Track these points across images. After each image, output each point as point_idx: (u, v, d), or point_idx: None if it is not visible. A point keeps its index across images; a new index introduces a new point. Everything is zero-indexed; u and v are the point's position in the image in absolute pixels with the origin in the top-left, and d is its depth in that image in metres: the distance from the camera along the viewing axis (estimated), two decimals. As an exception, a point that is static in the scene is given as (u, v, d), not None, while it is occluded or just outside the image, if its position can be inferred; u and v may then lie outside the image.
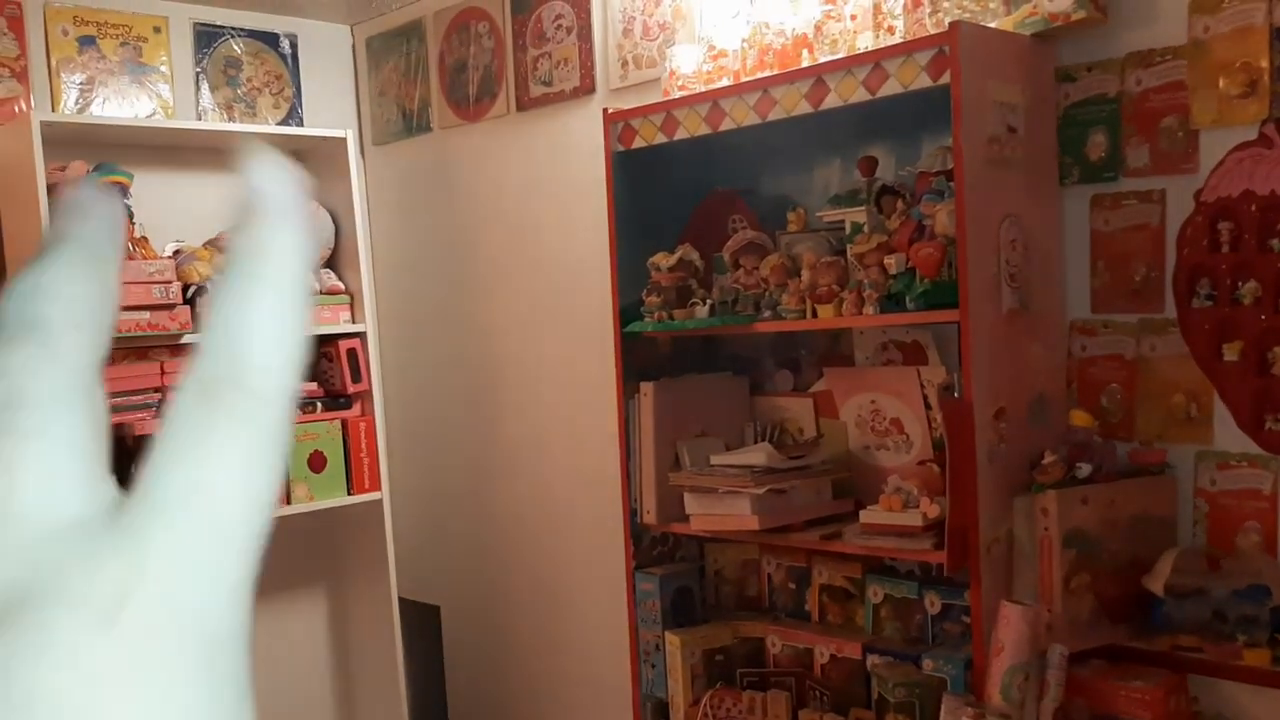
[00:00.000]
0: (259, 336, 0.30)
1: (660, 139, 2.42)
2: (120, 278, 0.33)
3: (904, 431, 2.34)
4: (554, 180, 3.18)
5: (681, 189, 2.60)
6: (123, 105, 3.26)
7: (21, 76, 3.08)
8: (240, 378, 0.30)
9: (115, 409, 2.80)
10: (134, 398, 2.83)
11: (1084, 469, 2.00)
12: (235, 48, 3.49)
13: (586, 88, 3.05)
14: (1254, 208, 1.92)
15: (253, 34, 3.53)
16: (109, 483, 0.31)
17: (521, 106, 3.25)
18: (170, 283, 2.85)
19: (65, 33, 3.16)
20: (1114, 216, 2.10)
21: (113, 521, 0.28)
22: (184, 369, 0.30)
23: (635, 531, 2.53)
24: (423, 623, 3.71)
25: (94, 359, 0.31)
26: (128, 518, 0.28)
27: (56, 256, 0.31)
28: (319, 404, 3.20)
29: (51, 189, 2.76)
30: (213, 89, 3.44)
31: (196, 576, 0.27)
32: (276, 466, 0.30)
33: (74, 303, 0.31)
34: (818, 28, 2.26)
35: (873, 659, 2.25)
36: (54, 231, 0.32)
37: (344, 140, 3.23)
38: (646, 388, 2.46)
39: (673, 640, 2.47)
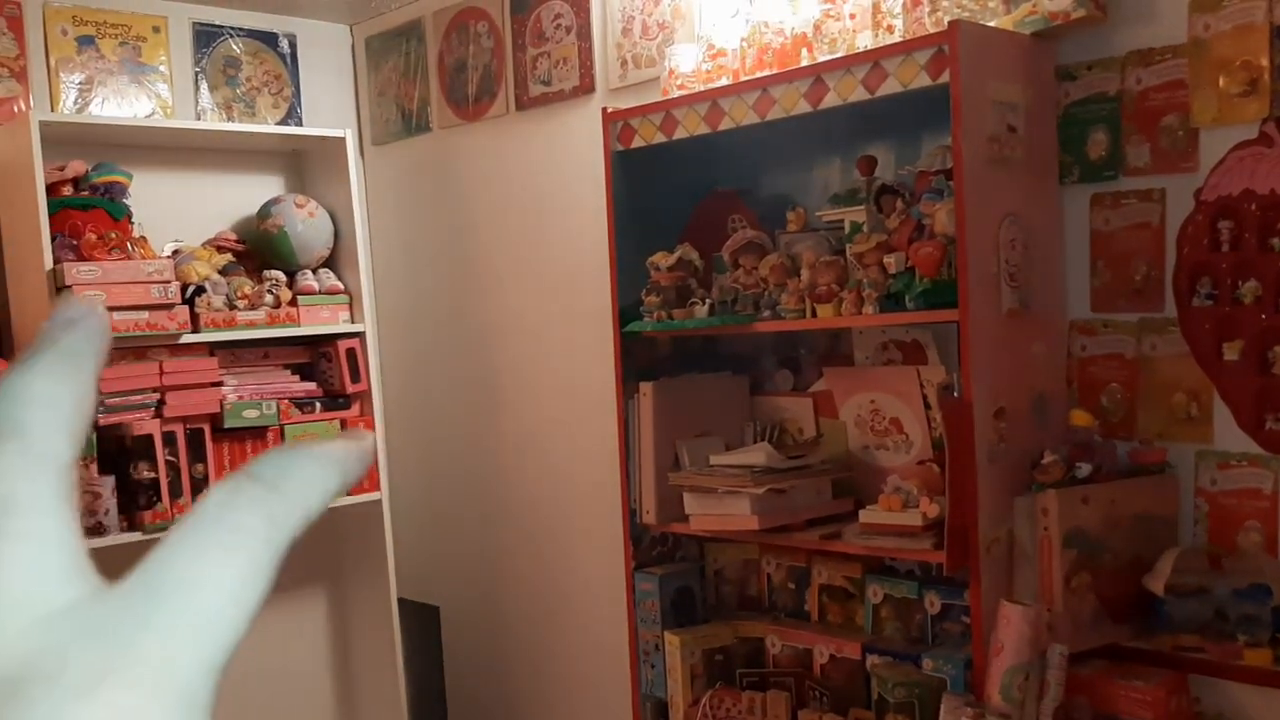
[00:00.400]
0: (305, 469, 0.34)
1: (659, 138, 2.41)
2: (97, 383, 0.35)
3: (904, 431, 2.33)
4: (553, 180, 3.18)
5: (681, 188, 2.60)
6: (122, 105, 3.25)
7: (20, 76, 3.08)
8: (276, 481, 0.33)
9: (114, 409, 2.80)
10: (132, 397, 2.83)
11: (1084, 468, 1.99)
12: (234, 47, 3.49)
13: (586, 87, 3.04)
14: (1254, 206, 1.92)
15: (252, 34, 3.52)
16: (92, 571, 0.32)
17: (521, 106, 3.25)
18: (169, 282, 2.84)
19: (64, 32, 3.16)
20: (1114, 215, 2.10)
21: (106, 601, 0.30)
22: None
23: (635, 531, 2.53)
24: (422, 623, 3.71)
25: (72, 459, 0.33)
26: (124, 598, 0.30)
27: (39, 362, 0.33)
28: (318, 404, 3.20)
29: (50, 189, 2.76)
30: (212, 89, 3.44)
31: (180, 662, 0.29)
32: (270, 578, 0.33)
33: (55, 408, 0.32)
34: (817, 27, 2.26)
35: (872, 659, 2.25)
36: (38, 340, 0.34)
37: (343, 140, 3.23)
38: (646, 387, 2.46)
39: (672, 640, 2.47)
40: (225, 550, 0.32)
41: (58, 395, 0.33)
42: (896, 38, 2.13)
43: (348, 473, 0.36)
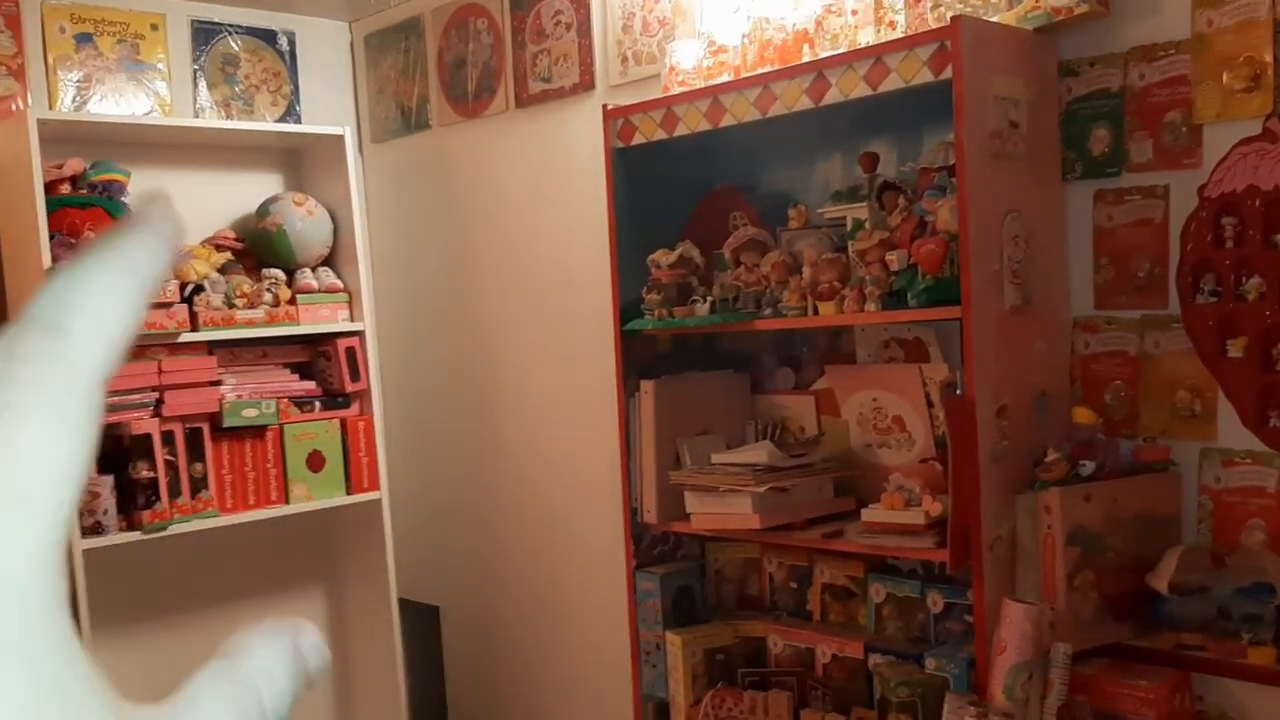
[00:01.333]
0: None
1: (660, 135, 2.40)
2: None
3: (906, 429, 2.32)
4: (553, 177, 3.17)
5: (682, 185, 2.59)
6: (120, 103, 3.24)
7: (18, 74, 3.07)
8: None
9: (112, 408, 2.79)
10: (130, 396, 2.81)
11: (1087, 466, 1.99)
12: (233, 45, 3.48)
13: (586, 84, 3.03)
14: (1258, 203, 1.91)
15: (251, 31, 3.51)
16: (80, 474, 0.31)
17: (520, 103, 3.24)
18: (167, 281, 2.83)
19: (62, 30, 3.15)
20: (1117, 212, 2.09)
21: None
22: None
23: (636, 530, 2.52)
24: (422, 623, 3.70)
25: (98, 372, 0.32)
26: None
27: (99, 265, 0.33)
28: (317, 403, 3.19)
29: (49, 187, 2.75)
30: (210, 86, 3.43)
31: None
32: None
33: (96, 319, 0.32)
34: (818, 23, 2.25)
35: (875, 658, 2.24)
36: (108, 237, 0.33)
37: (342, 138, 3.22)
38: (647, 386, 2.45)
39: (673, 640, 2.46)
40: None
41: (104, 309, 0.32)
42: (899, 33, 2.13)
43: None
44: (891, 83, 2.00)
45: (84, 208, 2.83)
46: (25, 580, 0.28)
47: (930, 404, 2.27)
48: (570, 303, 3.15)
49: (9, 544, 0.28)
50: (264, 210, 3.21)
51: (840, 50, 2.18)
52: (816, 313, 2.19)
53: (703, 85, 2.38)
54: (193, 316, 2.91)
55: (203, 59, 3.42)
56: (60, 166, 2.83)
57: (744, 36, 2.38)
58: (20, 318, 0.31)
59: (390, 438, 3.70)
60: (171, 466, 2.87)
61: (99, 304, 0.32)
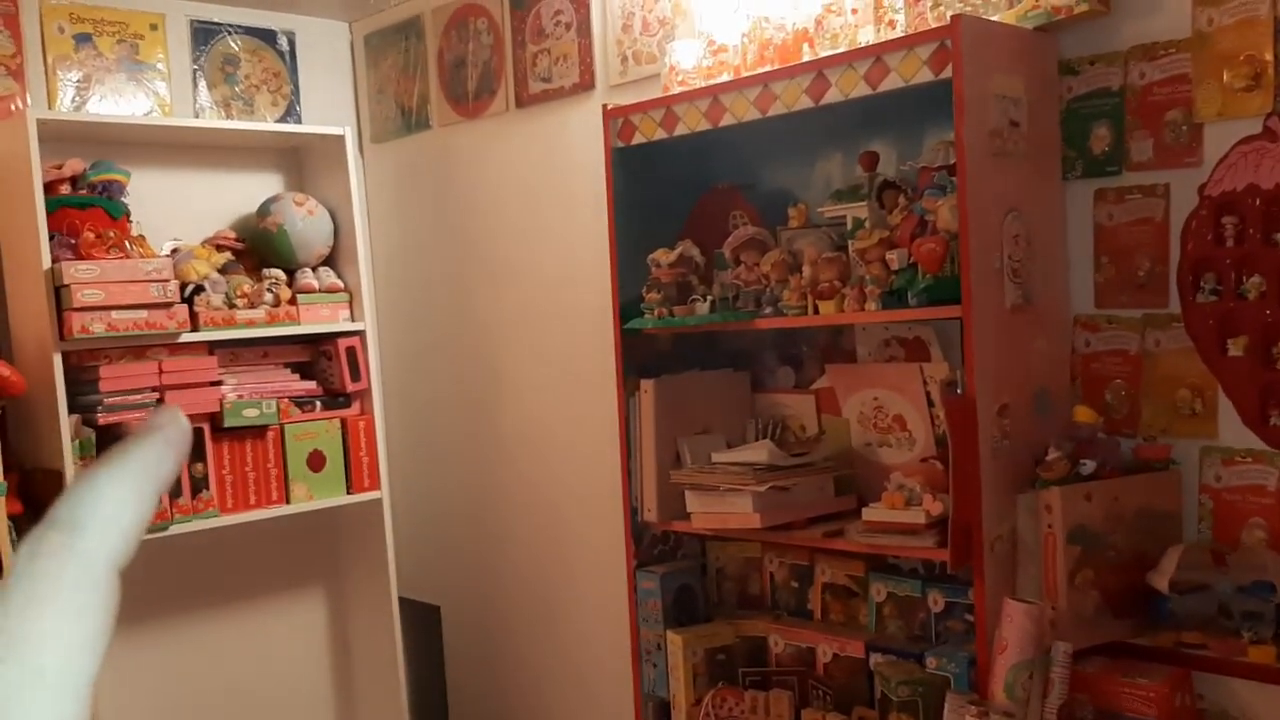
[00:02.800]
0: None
1: (660, 135, 2.40)
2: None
3: (906, 428, 2.32)
4: (553, 177, 3.17)
5: (681, 185, 2.59)
6: (119, 103, 3.24)
7: (17, 74, 3.06)
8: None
9: (113, 408, 2.79)
10: (131, 397, 2.81)
11: (1088, 465, 1.99)
12: (233, 45, 3.48)
13: (586, 84, 3.03)
14: (1258, 201, 1.91)
15: (250, 31, 3.51)
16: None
17: (521, 103, 3.24)
18: (168, 281, 2.83)
19: (61, 30, 3.15)
20: (1118, 210, 2.09)
21: None
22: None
23: (636, 530, 2.52)
24: (423, 622, 3.70)
25: (111, 560, 0.37)
26: None
27: (111, 469, 0.38)
28: (318, 403, 3.19)
29: (48, 187, 2.75)
30: (210, 86, 3.43)
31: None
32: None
33: (108, 514, 0.37)
34: (818, 22, 2.25)
35: (876, 657, 2.24)
36: (121, 445, 0.39)
37: (342, 138, 3.22)
38: (647, 385, 2.45)
39: (674, 639, 2.46)
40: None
41: (122, 500, 0.37)
42: (898, 33, 2.13)
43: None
44: (891, 82, 2.00)
45: (83, 208, 2.83)
46: None
47: (931, 403, 2.27)
48: (570, 302, 3.15)
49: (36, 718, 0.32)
50: (264, 210, 3.21)
51: (840, 49, 2.18)
52: (817, 312, 2.19)
53: (703, 85, 2.38)
54: (193, 316, 2.91)
55: (202, 59, 3.42)
56: (60, 167, 2.83)
57: (744, 36, 2.38)
58: (44, 519, 0.37)
59: (391, 437, 3.71)
60: (172, 466, 2.87)
61: (110, 501, 0.37)
